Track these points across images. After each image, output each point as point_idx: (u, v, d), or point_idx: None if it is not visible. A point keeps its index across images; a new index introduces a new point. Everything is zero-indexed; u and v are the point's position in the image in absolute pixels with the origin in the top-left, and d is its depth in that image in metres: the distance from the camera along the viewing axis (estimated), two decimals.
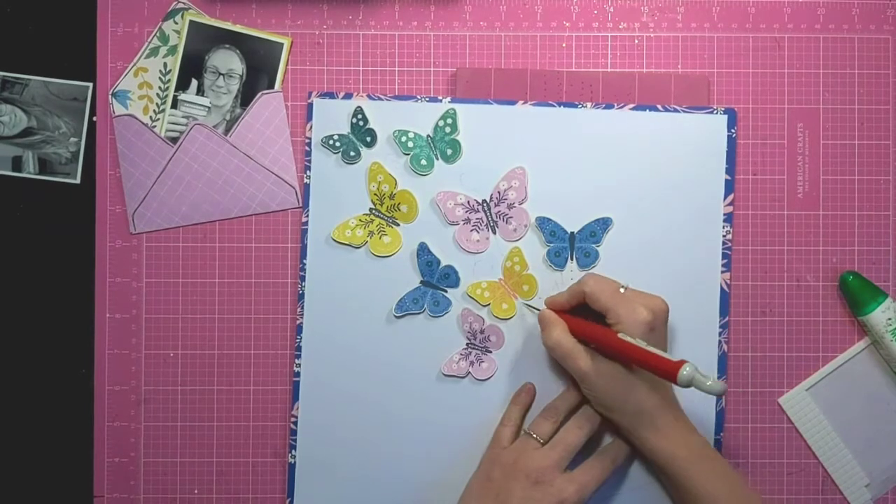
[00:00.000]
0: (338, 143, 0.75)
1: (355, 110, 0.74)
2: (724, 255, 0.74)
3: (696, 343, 0.73)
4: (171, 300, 0.75)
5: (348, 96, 0.75)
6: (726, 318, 0.74)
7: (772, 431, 0.75)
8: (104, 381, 0.75)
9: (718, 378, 0.73)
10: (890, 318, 0.72)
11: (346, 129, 0.75)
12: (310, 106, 0.75)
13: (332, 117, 0.75)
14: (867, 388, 0.75)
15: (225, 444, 0.75)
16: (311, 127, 0.75)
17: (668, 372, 0.62)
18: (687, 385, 0.61)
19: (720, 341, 0.73)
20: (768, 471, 0.75)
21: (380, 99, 0.75)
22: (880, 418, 0.74)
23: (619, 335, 0.65)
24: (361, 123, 0.75)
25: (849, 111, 0.75)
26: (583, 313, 0.70)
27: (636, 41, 0.75)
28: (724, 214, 0.74)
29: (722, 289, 0.74)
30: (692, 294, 0.73)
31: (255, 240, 0.75)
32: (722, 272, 0.74)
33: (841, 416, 0.74)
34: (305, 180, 0.75)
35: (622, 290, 0.68)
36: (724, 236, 0.74)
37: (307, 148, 0.75)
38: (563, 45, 0.75)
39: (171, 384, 0.75)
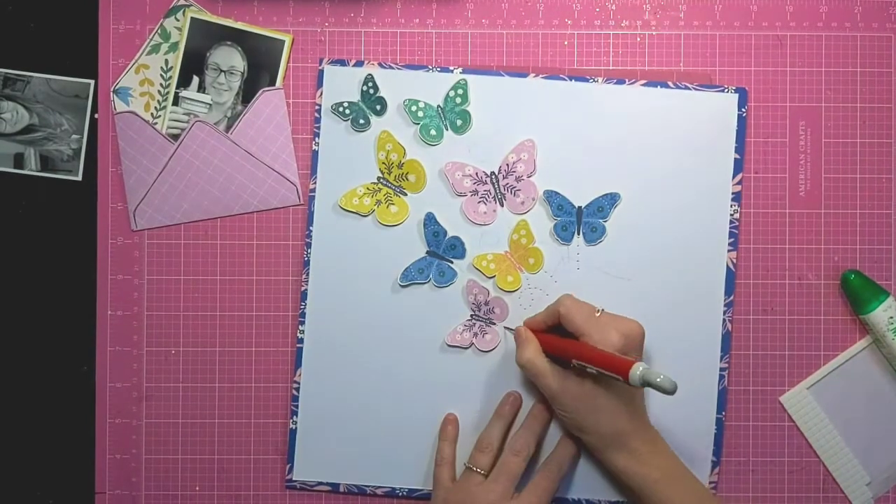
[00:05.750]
0: (347, 111, 0.74)
1: (366, 78, 0.74)
2: (732, 234, 0.74)
3: (700, 320, 0.73)
4: (172, 297, 0.75)
5: (359, 64, 0.75)
6: (731, 297, 0.73)
7: (773, 430, 0.75)
8: (105, 378, 0.75)
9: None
10: (891, 317, 0.72)
11: (356, 97, 0.74)
12: (320, 72, 0.75)
13: (342, 84, 0.74)
14: (868, 386, 0.74)
15: (226, 440, 0.75)
16: (321, 93, 0.75)
17: (620, 370, 0.62)
18: (640, 383, 0.61)
19: (724, 319, 0.73)
20: (769, 469, 0.74)
21: (391, 67, 0.74)
22: (881, 417, 0.74)
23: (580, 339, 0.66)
24: (372, 91, 0.74)
25: (851, 109, 0.75)
26: (560, 333, 0.70)
27: (638, 39, 0.75)
28: (733, 193, 0.74)
29: (728, 267, 0.73)
30: (698, 271, 0.73)
31: (257, 237, 0.75)
32: (729, 251, 0.73)
33: (842, 414, 0.74)
34: (314, 147, 0.74)
35: (597, 315, 0.68)
36: (731, 215, 0.74)
37: (316, 115, 0.74)
38: (565, 42, 0.75)
39: (173, 381, 0.75)
